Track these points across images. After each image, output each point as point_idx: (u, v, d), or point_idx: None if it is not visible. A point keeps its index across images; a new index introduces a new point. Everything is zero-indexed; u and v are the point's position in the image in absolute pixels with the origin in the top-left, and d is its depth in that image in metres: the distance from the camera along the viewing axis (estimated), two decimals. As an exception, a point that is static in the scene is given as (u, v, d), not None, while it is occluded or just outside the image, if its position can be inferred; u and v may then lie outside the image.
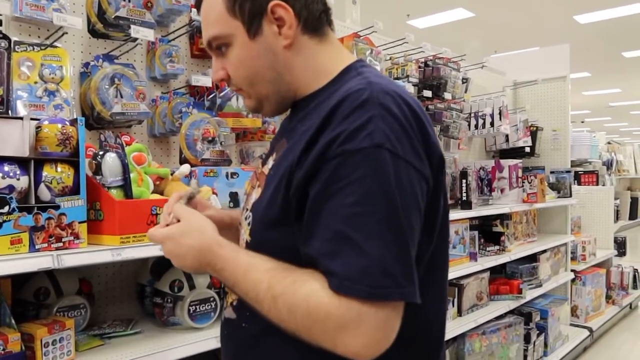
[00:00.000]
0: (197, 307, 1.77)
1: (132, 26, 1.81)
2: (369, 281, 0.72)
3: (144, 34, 1.81)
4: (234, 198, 1.87)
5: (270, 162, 0.92)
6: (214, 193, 1.77)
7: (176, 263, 0.89)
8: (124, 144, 1.57)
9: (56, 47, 1.77)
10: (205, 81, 2.05)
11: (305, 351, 0.81)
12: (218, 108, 2.11)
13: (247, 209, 0.94)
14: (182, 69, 2.06)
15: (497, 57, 5.77)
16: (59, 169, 1.44)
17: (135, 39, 1.91)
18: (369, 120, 0.75)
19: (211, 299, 1.81)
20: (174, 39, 2.13)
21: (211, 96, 2.13)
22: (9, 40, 1.63)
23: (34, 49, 1.72)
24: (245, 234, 0.93)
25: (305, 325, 0.76)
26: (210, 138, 1.94)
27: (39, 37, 1.82)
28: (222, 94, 2.12)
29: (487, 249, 3.43)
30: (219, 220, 1.01)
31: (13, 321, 1.43)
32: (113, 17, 1.82)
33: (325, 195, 0.75)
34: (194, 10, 2.11)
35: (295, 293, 0.76)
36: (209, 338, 1.71)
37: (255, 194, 0.92)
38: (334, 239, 0.74)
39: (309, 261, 0.79)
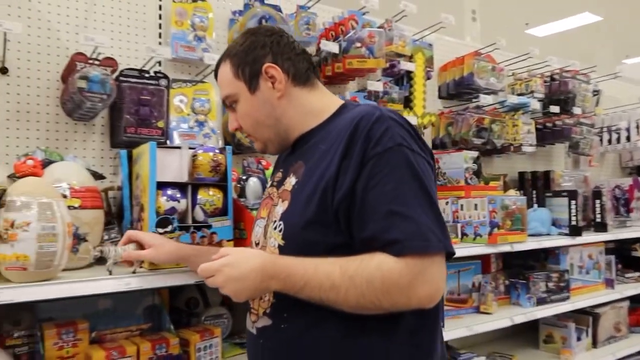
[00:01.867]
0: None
1: (269, 60, 1.97)
2: (423, 238, 0.93)
3: (280, 67, 1.96)
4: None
5: (293, 180, 1.11)
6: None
7: (233, 287, 1.01)
8: (264, 169, 1.72)
9: (204, 82, 1.99)
10: (332, 107, 2.16)
11: (346, 339, 1.01)
12: (344, 51, 2.23)
13: (274, 221, 1.11)
14: (310, 96, 2.20)
15: (632, 64, 5.28)
16: (211, 193, 1.61)
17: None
18: (387, 129, 1.00)
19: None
20: (302, 68, 2.28)
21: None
22: (168, 79, 1.87)
23: (187, 85, 1.95)
24: (276, 240, 1.09)
25: (384, 290, 0.94)
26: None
27: (189, 74, 2.06)
28: (346, 36, 2.25)
29: (626, 275, 3.14)
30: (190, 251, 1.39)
31: (172, 327, 1.61)
32: (252, 52, 2.00)
33: (369, 187, 0.97)
34: (322, 40, 2.24)
35: (368, 267, 0.95)
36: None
37: (282, 208, 1.10)
38: (386, 216, 0.95)
39: (363, 247, 0.98)
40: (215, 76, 1.23)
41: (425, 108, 2.67)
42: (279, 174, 1.20)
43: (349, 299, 0.96)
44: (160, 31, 2.04)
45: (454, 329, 2.19)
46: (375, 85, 2.35)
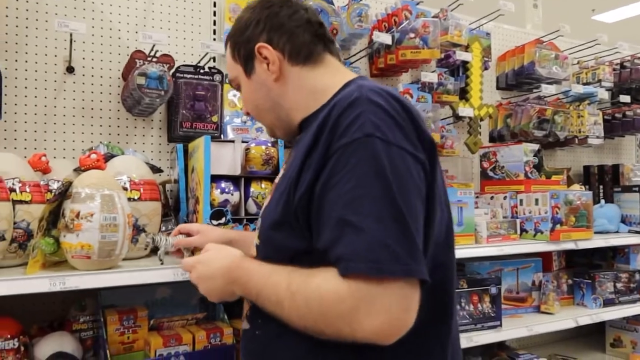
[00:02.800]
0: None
1: (321, 53, 1.96)
2: (371, 257, 0.74)
3: (331, 60, 1.95)
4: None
5: (281, 173, 1.01)
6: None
7: (204, 286, 0.99)
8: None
9: (257, 77, 2.01)
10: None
11: (316, 349, 0.85)
12: (397, 42, 2.20)
13: (259, 217, 1.02)
14: (363, 89, 2.17)
15: None
16: (262, 185, 1.63)
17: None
18: (358, 115, 0.81)
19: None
20: (355, 61, 2.26)
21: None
22: (222, 74, 1.90)
23: (240, 80, 1.97)
24: (255, 239, 1.00)
25: (322, 314, 0.79)
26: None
27: (243, 69, 2.09)
28: (399, 27, 2.22)
29: None
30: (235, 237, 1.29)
31: (226, 317, 1.65)
32: (304, 46, 2.00)
33: (327, 188, 0.80)
34: (375, 32, 2.21)
35: (310, 285, 0.80)
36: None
37: (265, 203, 1.01)
38: (336, 225, 0.78)
39: (323, 259, 0.81)
40: None
41: (483, 99, 2.58)
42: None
43: (292, 318, 0.84)
44: (215, 28, 2.08)
45: (512, 328, 2.11)
46: (430, 76, 2.29)
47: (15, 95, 1.73)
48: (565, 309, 2.41)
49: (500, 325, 2.07)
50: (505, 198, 2.32)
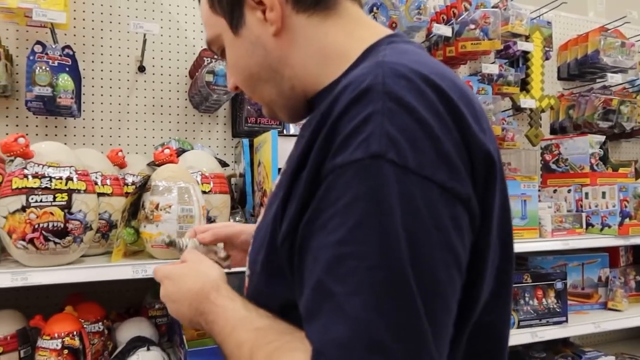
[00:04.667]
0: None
1: (381, 47, 1.97)
2: (342, 354, 0.48)
3: (392, 53, 1.95)
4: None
5: (277, 179, 0.72)
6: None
7: (171, 309, 0.77)
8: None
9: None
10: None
11: None
12: (456, 34, 2.18)
13: (252, 237, 0.74)
14: (421, 82, 2.17)
15: None
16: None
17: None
18: (366, 119, 0.51)
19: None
20: (413, 54, 2.25)
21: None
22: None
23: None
24: (246, 267, 0.75)
25: None
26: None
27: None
28: (459, 19, 2.18)
29: None
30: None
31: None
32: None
33: (311, 230, 0.54)
34: (434, 24, 2.19)
35: (276, 357, 0.56)
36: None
37: (259, 220, 0.73)
38: (315, 291, 0.52)
39: None
40: None
41: (544, 90, 2.51)
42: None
43: None
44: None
45: (577, 325, 2.05)
46: (490, 68, 2.26)
47: (92, 95, 1.83)
48: (634, 306, 2.33)
49: (566, 321, 2.02)
50: (569, 191, 2.26)
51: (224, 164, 1.78)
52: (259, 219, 0.74)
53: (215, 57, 1.83)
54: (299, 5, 0.68)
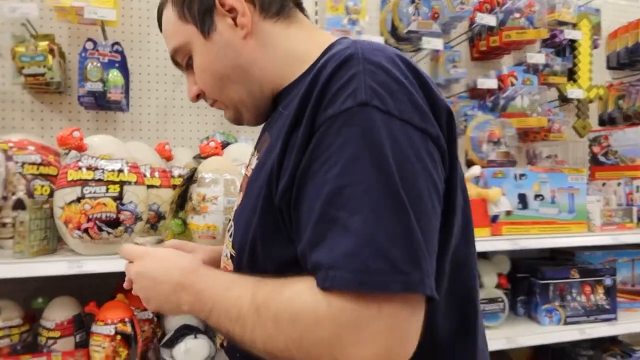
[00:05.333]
0: (485, 306, 1.81)
1: (423, 38, 1.95)
2: (357, 265, 0.54)
3: (435, 44, 1.93)
4: (522, 199, 1.84)
5: (254, 163, 0.77)
6: (502, 194, 1.78)
7: (143, 287, 0.75)
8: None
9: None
10: (488, 83, 2.08)
11: None
12: (501, 109, 2.10)
13: (230, 220, 0.82)
14: (464, 73, 2.13)
15: None
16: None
17: (420, 50, 2.06)
18: (351, 77, 0.60)
19: (499, 299, 1.82)
20: (455, 45, 2.21)
21: (493, 97, 2.14)
22: None
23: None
24: (228, 249, 0.79)
25: (295, 338, 0.58)
26: (495, 139, 1.96)
27: (343, 57, 2.12)
28: (504, 94, 2.11)
29: None
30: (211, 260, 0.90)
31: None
32: (405, 32, 2.00)
33: (307, 176, 0.61)
34: (477, 14, 2.15)
35: (280, 298, 0.60)
36: (499, 338, 1.73)
37: (237, 202, 0.80)
38: (317, 224, 0.58)
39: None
40: (160, 28, 0.87)
41: (592, 80, 2.43)
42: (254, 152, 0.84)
43: (255, 341, 0.62)
44: (317, 17, 2.12)
45: (627, 322, 1.98)
46: (536, 57, 2.19)
47: (140, 90, 1.88)
48: (687, 304, 2.23)
49: (615, 318, 1.95)
50: (619, 184, 2.18)
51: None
52: (237, 203, 0.80)
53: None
54: (266, 12, 0.78)
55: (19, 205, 1.49)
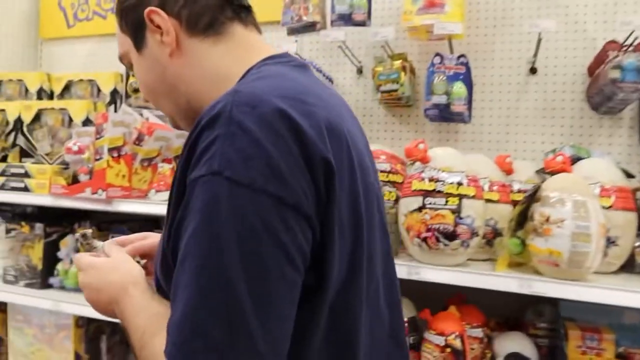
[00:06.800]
0: None
1: None
2: (178, 339, 0.58)
3: None
4: None
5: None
6: None
7: (88, 295, 0.83)
8: None
9: None
10: None
11: None
12: None
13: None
14: None
15: None
16: None
17: None
18: (213, 140, 0.60)
19: None
20: None
21: None
22: None
23: None
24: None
25: None
26: None
27: None
28: None
29: None
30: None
31: None
32: None
33: (179, 232, 0.63)
34: None
35: (152, 346, 0.67)
36: None
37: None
38: (173, 283, 0.62)
39: None
40: None
41: None
42: None
43: None
44: None
45: None
46: None
47: (482, 100, 1.85)
48: None
49: None
50: None
51: (629, 175, 1.51)
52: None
53: (619, 50, 1.56)
54: (192, 30, 0.78)
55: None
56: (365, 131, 2.00)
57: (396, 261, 1.44)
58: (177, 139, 2.03)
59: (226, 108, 0.62)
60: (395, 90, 1.78)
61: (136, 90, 2.16)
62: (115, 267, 0.82)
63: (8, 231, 2.07)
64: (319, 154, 0.62)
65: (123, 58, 0.87)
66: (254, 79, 0.71)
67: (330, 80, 2.01)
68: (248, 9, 0.83)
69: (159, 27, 0.78)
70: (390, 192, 1.70)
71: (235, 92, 0.64)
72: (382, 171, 1.70)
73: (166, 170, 1.88)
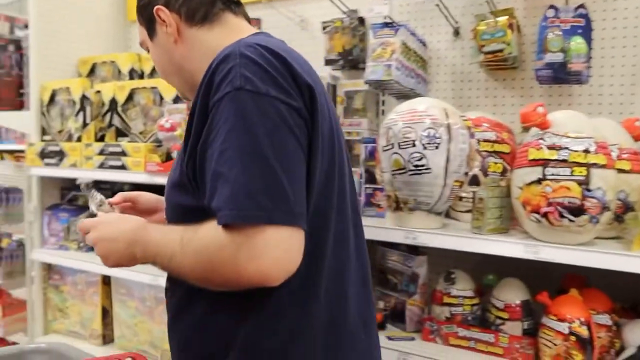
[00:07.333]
0: None
1: None
2: (234, 206, 0.75)
3: None
4: None
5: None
6: None
7: (103, 247, 0.94)
8: None
9: None
10: None
11: (206, 312, 0.89)
12: None
13: None
14: None
15: None
16: None
17: None
18: (230, 70, 0.80)
19: None
20: None
21: None
22: None
23: None
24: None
25: (208, 262, 0.79)
26: None
27: None
28: None
29: None
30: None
31: None
32: None
33: (206, 146, 0.81)
34: None
35: (197, 237, 0.81)
36: None
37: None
38: (211, 179, 0.79)
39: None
40: None
41: None
42: None
43: (185, 272, 0.84)
44: None
45: None
46: None
47: (602, 57, 1.63)
48: None
49: None
50: None
51: None
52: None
53: None
54: (191, 21, 1.00)
55: (474, 181, 1.53)
56: (464, 98, 1.85)
57: (510, 238, 1.33)
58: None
59: (235, 49, 0.83)
60: (501, 51, 1.61)
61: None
62: (122, 218, 0.99)
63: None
64: (304, 80, 0.83)
65: (142, 44, 1.09)
66: (250, 37, 0.90)
67: (424, 44, 1.86)
68: (237, 3, 1.04)
69: (164, 21, 1.00)
70: (496, 163, 1.55)
71: (239, 41, 0.86)
72: (485, 140, 1.56)
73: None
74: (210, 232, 0.78)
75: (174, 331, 0.96)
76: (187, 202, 0.88)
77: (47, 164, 2.25)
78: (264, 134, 0.77)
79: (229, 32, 1.00)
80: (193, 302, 0.90)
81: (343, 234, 0.92)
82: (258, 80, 0.79)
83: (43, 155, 2.26)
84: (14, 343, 2.56)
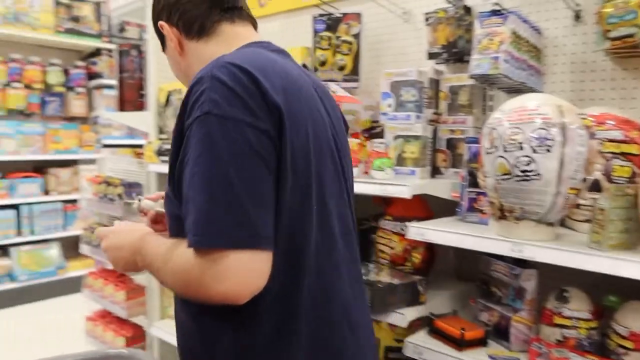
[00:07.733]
0: None
1: None
2: (198, 231, 0.82)
3: None
4: None
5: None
6: None
7: (112, 255, 1.07)
8: None
9: None
10: None
11: (192, 317, 0.98)
12: None
13: None
14: None
15: None
16: None
17: None
18: (201, 93, 0.86)
19: None
20: None
21: None
22: None
23: None
24: None
25: (182, 280, 0.88)
26: None
27: None
28: None
29: None
30: None
31: None
32: None
33: (182, 166, 0.88)
34: None
35: (175, 255, 0.89)
36: None
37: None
38: (185, 201, 0.86)
39: None
40: None
41: None
42: None
43: (169, 285, 0.94)
44: None
45: None
46: None
47: None
48: None
49: None
50: None
51: None
52: None
53: None
54: (189, 35, 1.09)
55: (595, 187, 1.35)
56: (585, 91, 1.64)
57: (635, 257, 1.12)
58: (365, 112, 1.93)
59: (208, 71, 0.88)
60: (632, 36, 1.39)
61: (323, 64, 2.13)
62: (130, 229, 1.08)
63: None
64: (272, 100, 0.87)
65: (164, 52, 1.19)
66: (231, 54, 0.95)
67: (538, 32, 1.68)
68: (233, 8, 1.08)
69: (168, 34, 1.09)
70: (623, 166, 1.36)
71: (217, 59, 0.91)
72: (610, 140, 1.37)
73: (354, 145, 1.80)
74: (184, 254, 0.86)
75: (176, 327, 1.06)
76: (179, 212, 0.92)
77: (163, 161, 2.42)
78: (229, 159, 0.83)
79: (225, 43, 1.07)
80: (184, 302, 0.99)
81: (328, 239, 0.97)
82: (225, 103, 0.85)
83: (160, 152, 2.44)
84: (136, 325, 2.82)
